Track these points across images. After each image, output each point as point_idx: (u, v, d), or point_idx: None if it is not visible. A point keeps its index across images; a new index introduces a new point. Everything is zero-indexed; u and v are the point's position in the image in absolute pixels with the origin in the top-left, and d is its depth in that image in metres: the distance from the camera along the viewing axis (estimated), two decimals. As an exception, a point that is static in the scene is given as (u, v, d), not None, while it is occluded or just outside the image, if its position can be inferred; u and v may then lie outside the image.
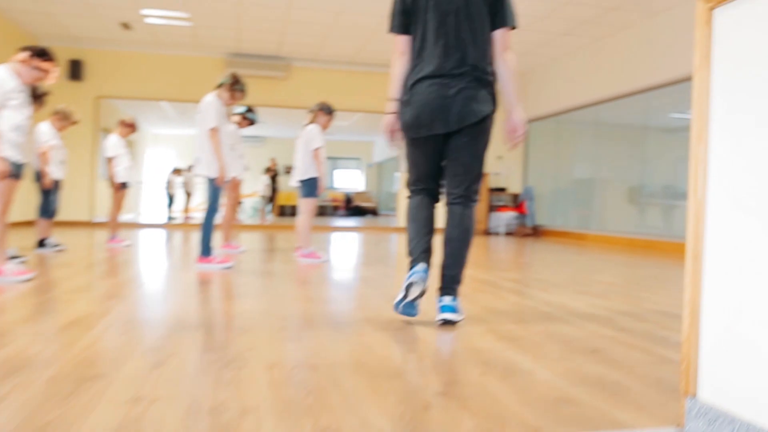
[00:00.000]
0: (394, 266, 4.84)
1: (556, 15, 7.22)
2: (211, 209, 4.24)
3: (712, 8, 1.32)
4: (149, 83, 9.50)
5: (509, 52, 2.46)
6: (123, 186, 5.98)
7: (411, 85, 2.43)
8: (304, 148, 4.96)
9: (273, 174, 14.65)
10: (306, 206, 5.05)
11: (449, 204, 2.49)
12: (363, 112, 10.39)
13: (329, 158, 20.96)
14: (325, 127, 5.09)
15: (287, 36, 8.52)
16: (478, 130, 2.40)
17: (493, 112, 2.42)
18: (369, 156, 21.66)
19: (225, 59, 9.51)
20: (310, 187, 4.99)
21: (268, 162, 15.41)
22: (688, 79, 6.83)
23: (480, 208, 9.98)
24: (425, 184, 2.55)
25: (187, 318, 2.54)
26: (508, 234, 10.09)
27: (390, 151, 9.93)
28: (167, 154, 19.28)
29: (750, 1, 1.23)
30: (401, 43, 2.47)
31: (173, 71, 9.53)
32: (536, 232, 9.86)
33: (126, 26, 8.23)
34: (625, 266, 5.26)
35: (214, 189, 4.26)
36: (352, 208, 19.78)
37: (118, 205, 6.01)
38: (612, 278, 4.35)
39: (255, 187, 15.31)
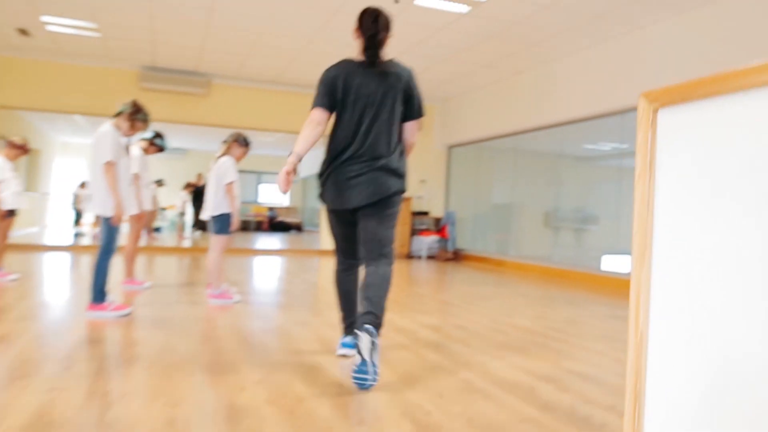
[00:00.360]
0: (318, 309, 4.56)
1: (478, 48, 7.21)
2: (105, 251, 3.83)
3: (656, 109, 1.17)
4: (53, 94, 8.79)
5: (414, 144, 2.91)
6: (10, 213, 5.41)
7: (331, 164, 2.74)
8: (216, 181, 4.62)
9: (199, 189, 13.91)
10: (217, 243, 4.70)
11: (366, 264, 2.74)
12: (285, 132, 10.07)
13: (253, 172, 20.40)
14: (239, 159, 4.77)
15: (206, 53, 8.11)
16: (389, 205, 2.74)
17: (402, 191, 2.78)
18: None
19: (139, 72, 8.96)
20: (221, 223, 4.65)
21: (192, 177, 14.74)
22: (599, 116, 6.98)
23: (402, 231, 9.87)
24: (347, 256, 2.91)
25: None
26: (430, 258, 10.02)
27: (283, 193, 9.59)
28: (77, 164, 18.13)
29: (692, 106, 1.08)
30: (320, 115, 2.70)
31: (81, 82, 8.87)
32: (457, 256, 9.85)
33: (24, 32, 7.56)
34: (541, 304, 5.21)
35: (109, 229, 3.84)
36: (276, 224, 19.29)
37: (3, 235, 5.42)
38: (530, 322, 4.26)
39: (175, 200, 14.60)
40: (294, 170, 2.61)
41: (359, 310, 2.62)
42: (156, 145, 5.31)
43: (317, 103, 2.70)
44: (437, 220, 10.31)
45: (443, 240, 9.89)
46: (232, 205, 4.63)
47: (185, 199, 13.79)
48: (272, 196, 21.18)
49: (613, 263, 7.15)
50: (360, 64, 2.75)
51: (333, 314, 4.30)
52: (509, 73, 8.28)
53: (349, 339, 2.96)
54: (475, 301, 5.25)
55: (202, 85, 9.17)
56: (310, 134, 2.66)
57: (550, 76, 7.75)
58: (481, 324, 4.17)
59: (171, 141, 16.67)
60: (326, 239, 10.05)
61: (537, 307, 5.03)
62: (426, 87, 9.38)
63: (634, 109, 6.58)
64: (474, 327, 4.04)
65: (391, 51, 7.57)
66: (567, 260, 7.71)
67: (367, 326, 2.49)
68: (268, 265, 8.10)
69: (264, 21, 6.74)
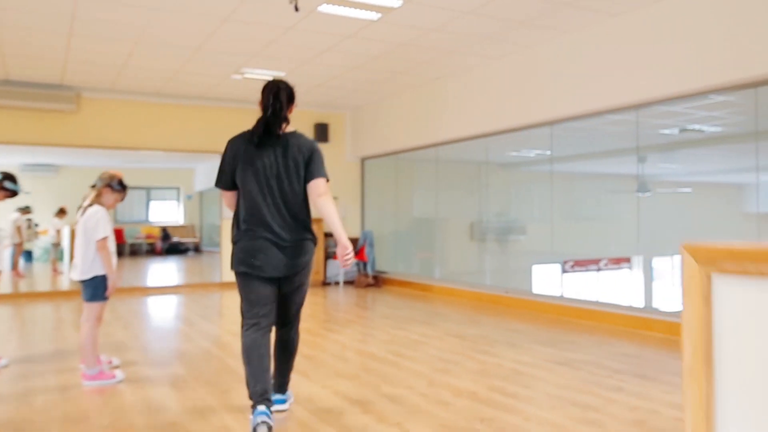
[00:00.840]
0: (223, 384, 3.76)
1: (393, 55, 6.63)
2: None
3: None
4: None
5: (324, 196, 2.91)
6: None
7: (243, 233, 2.91)
8: (84, 238, 3.74)
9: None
10: (91, 313, 3.82)
11: (278, 329, 3.09)
12: (173, 151, 9.02)
13: (143, 188, 18.76)
14: (111, 207, 3.87)
15: (72, 64, 6.95)
16: (302, 274, 2.98)
17: (311, 258, 3.00)
18: (189, 185, 19.79)
19: (-10, 87, 7.59)
20: (95, 288, 3.77)
21: (67, 198, 13.10)
22: (525, 127, 6.65)
23: (316, 255, 9.11)
24: (258, 320, 2.91)
25: None
26: (348, 283, 9.44)
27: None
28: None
29: None
30: (228, 198, 2.99)
31: None
32: (378, 281, 9.26)
33: None
34: (479, 348, 4.78)
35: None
36: (170, 245, 17.79)
37: None
38: (471, 383, 3.79)
39: (47, 225, 12.93)
40: None
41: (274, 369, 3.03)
42: (6, 189, 4.25)
43: (221, 183, 2.97)
44: (353, 241, 9.59)
45: (361, 263, 9.26)
46: (107, 266, 3.76)
47: (59, 226, 12.19)
48: (165, 214, 19.61)
49: (543, 273, 7.00)
50: (260, 136, 2.87)
51: (241, 391, 3.51)
52: (427, 79, 7.77)
53: (263, 407, 2.80)
54: (402, 350, 4.74)
55: (69, 99, 7.97)
56: (230, 210, 3.04)
57: (471, 84, 7.36)
58: (415, 389, 3.57)
59: (40, 156, 14.83)
60: (228, 263, 9.00)
61: (475, 354, 4.58)
62: (334, 95, 8.71)
63: (562, 120, 6.30)
64: (405, 395, 3.43)
65: (292, 60, 6.82)
66: (498, 278, 7.44)
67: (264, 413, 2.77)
68: (161, 310, 7.09)
69: (141, 29, 5.77)
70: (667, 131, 5.82)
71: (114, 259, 3.89)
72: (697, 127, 5.62)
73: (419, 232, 8.91)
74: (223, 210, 9.11)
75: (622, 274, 6.60)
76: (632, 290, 6.34)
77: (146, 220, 19.06)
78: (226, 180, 2.93)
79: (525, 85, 6.54)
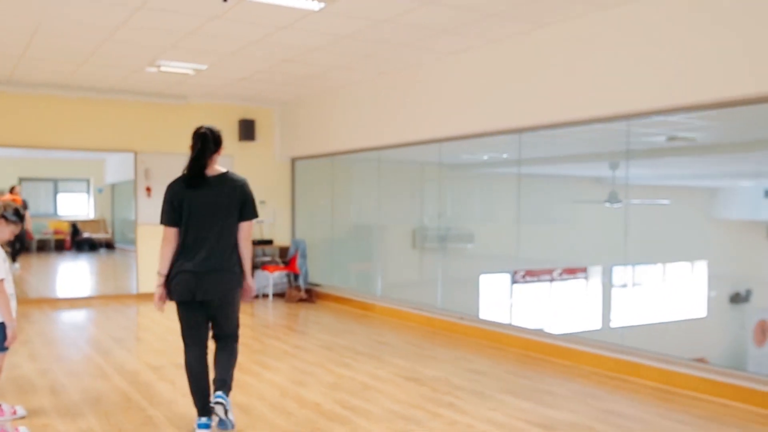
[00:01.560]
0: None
1: (333, 48, 6.11)
2: None
3: None
4: None
5: (248, 240, 3.36)
6: None
7: (180, 267, 3.25)
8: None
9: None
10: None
11: (218, 340, 3.43)
12: (80, 149, 8.19)
13: (50, 180, 17.26)
14: (6, 240, 3.24)
15: (-46, 50, 6.02)
16: (231, 298, 3.35)
17: (239, 285, 3.38)
18: (100, 177, 18.38)
19: None
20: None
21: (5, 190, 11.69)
22: (483, 134, 6.11)
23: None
24: (189, 343, 3.34)
25: None
26: (278, 296, 8.66)
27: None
28: None
29: None
30: (170, 233, 3.27)
31: None
32: (311, 295, 8.43)
33: None
34: (441, 401, 4.28)
35: None
36: (80, 241, 16.50)
37: None
38: None
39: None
40: (163, 295, 3.31)
41: (215, 373, 3.36)
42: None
43: (166, 222, 3.27)
44: (284, 250, 9.01)
45: (292, 275, 8.65)
46: (5, 312, 3.12)
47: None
48: (74, 207, 18.17)
49: (491, 283, 6.63)
50: (191, 179, 3.26)
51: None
52: (371, 75, 7.15)
53: (205, 420, 3.31)
54: (351, 399, 4.14)
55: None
56: (168, 253, 3.29)
57: (424, 82, 6.58)
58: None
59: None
60: (145, 265, 8.28)
61: (439, 408, 4.08)
62: (261, 88, 8.05)
63: (532, 128, 5.60)
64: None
65: (215, 52, 6.20)
66: (444, 291, 6.89)
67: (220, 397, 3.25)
68: (72, 332, 6.34)
69: (40, 14, 5.00)
70: (645, 139, 5.47)
71: (13, 303, 3.27)
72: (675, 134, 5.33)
73: (358, 240, 8.35)
74: (139, 206, 8.36)
75: (577, 285, 6.37)
76: (588, 303, 6.02)
77: (54, 214, 17.56)
78: (172, 218, 3.25)
79: (490, 85, 5.78)
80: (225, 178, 3.33)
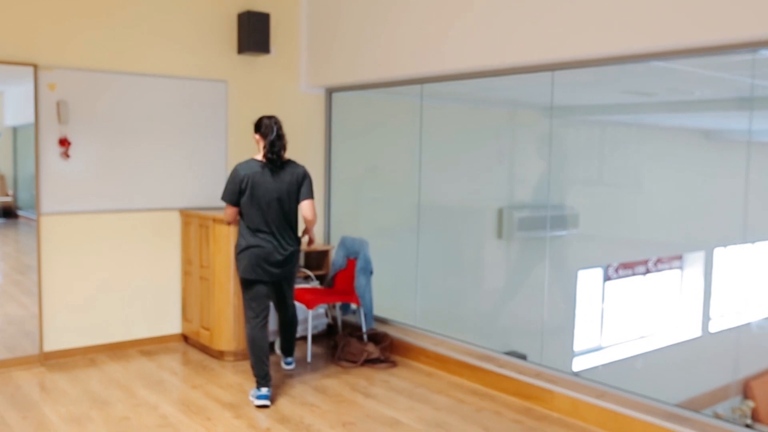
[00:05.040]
0: None
1: None
2: None
3: None
4: None
5: (312, 212, 3.73)
6: None
7: (247, 245, 3.60)
8: None
9: None
10: None
11: (283, 312, 3.98)
12: None
13: None
14: None
15: None
16: (292, 274, 3.83)
17: (297, 261, 3.80)
18: (-5, 116, 13.62)
19: None
20: None
21: None
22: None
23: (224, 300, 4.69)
24: (256, 314, 3.66)
25: None
26: (318, 339, 4.75)
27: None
28: None
29: None
30: (230, 210, 3.66)
31: None
32: (386, 349, 4.48)
33: None
34: None
35: None
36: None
37: None
38: None
39: None
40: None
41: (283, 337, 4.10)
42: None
43: (227, 200, 3.63)
44: (318, 258, 5.10)
45: (348, 307, 4.79)
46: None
47: None
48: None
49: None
50: (264, 165, 3.60)
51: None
52: None
53: (265, 390, 3.56)
54: None
55: None
56: (229, 222, 3.80)
57: None
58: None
59: None
60: (54, 291, 4.26)
61: None
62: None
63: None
64: None
65: None
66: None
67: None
68: None
69: None
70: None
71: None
72: None
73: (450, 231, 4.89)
74: (45, 176, 4.31)
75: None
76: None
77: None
78: (234, 198, 3.60)
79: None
80: (292, 165, 3.68)
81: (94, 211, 4.35)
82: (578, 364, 5.31)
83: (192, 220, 4.51)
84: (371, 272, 4.48)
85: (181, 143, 4.65)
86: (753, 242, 4.80)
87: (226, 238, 4.19)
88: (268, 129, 3.58)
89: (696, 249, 5.23)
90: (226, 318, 4.24)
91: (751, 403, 6.10)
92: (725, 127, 4.88)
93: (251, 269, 3.57)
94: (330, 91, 5.33)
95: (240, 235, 3.64)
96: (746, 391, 5.86)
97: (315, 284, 4.85)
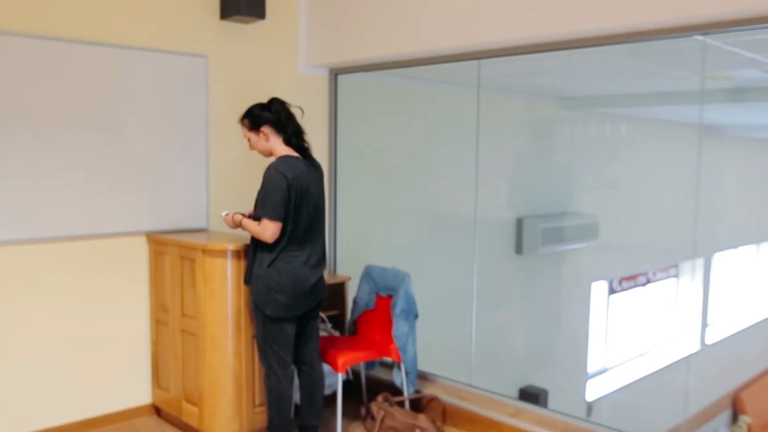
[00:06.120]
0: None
1: None
2: None
3: None
4: None
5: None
6: None
7: (290, 274, 2.73)
8: None
9: None
10: None
11: (304, 365, 2.98)
12: None
13: None
14: None
15: None
16: (319, 307, 2.99)
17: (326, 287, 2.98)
18: None
19: None
20: None
21: None
22: None
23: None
24: (287, 362, 2.85)
25: None
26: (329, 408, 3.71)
27: None
28: None
29: None
30: (278, 228, 2.68)
31: None
32: (437, 418, 3.46)
33: None
34: None
35: None
36: None
37: None
38: None
39: None
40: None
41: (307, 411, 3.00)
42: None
43: (275, 215, 2.67)
44: (338, 288, 3.82)
45: (373, 365, 3.59)
46: None
47: None
48: None
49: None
50: (301, 160, 2.79)
51: None
52: None
53: None
54: None
55: None
56: (270, 241, 2.71)
57: None
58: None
59: None
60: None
61: None
62: None
63: None
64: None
65: None
66: None
67: None
68: None
69: None
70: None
71: None
72: None
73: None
74: None
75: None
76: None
77: None
78: (281, 212, 2.69)
79: None
80: (313, 157, 2.89)
81: (12, 241, 3.00)
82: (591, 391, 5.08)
83: (167, 249, 3.23)
84: (416, 316, 3.37)
85: (144, 141, 3.35)
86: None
87: (222, 277, 2.97)
88: (284, 114, 2.78)
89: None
90: (224, 391, 3.02)
91: (747, 419, 5.64)
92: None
93: (292, 306, 2.78)
94: (335, 73, 4.15)
95: (272, 261, 2.72)
96: (736, 405, 5.67)
97: (329, 329, 3.69)
